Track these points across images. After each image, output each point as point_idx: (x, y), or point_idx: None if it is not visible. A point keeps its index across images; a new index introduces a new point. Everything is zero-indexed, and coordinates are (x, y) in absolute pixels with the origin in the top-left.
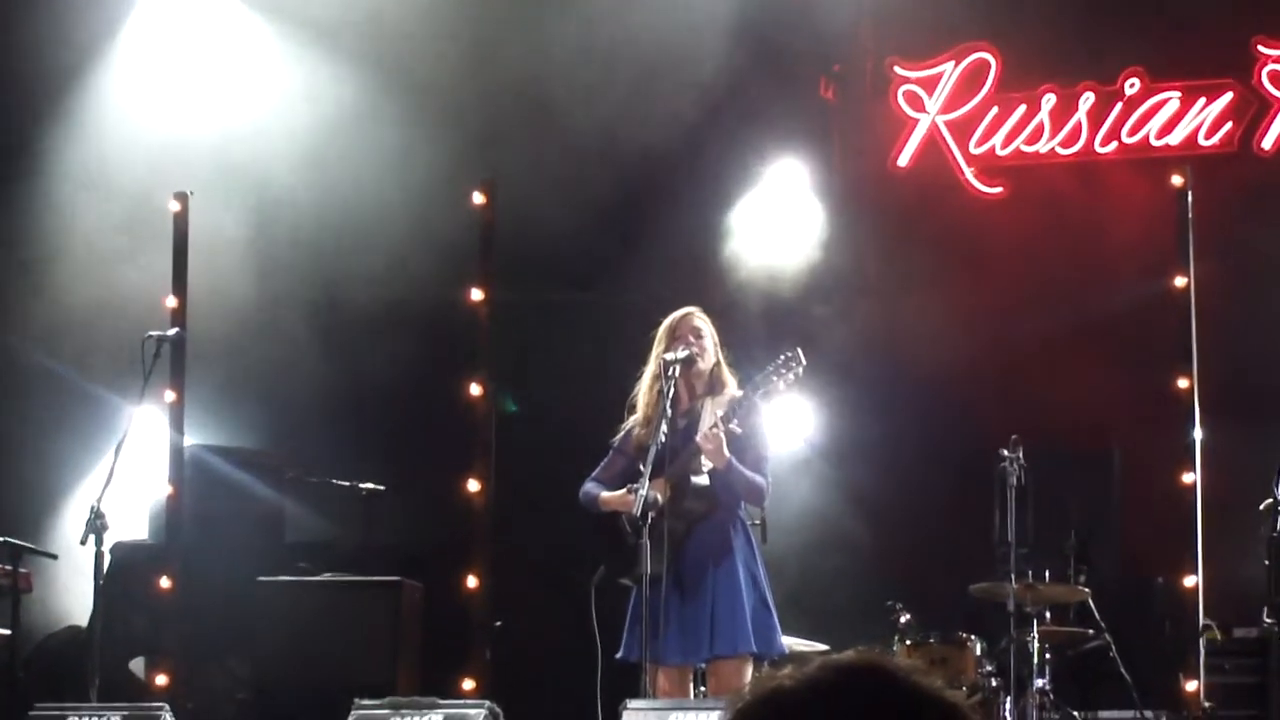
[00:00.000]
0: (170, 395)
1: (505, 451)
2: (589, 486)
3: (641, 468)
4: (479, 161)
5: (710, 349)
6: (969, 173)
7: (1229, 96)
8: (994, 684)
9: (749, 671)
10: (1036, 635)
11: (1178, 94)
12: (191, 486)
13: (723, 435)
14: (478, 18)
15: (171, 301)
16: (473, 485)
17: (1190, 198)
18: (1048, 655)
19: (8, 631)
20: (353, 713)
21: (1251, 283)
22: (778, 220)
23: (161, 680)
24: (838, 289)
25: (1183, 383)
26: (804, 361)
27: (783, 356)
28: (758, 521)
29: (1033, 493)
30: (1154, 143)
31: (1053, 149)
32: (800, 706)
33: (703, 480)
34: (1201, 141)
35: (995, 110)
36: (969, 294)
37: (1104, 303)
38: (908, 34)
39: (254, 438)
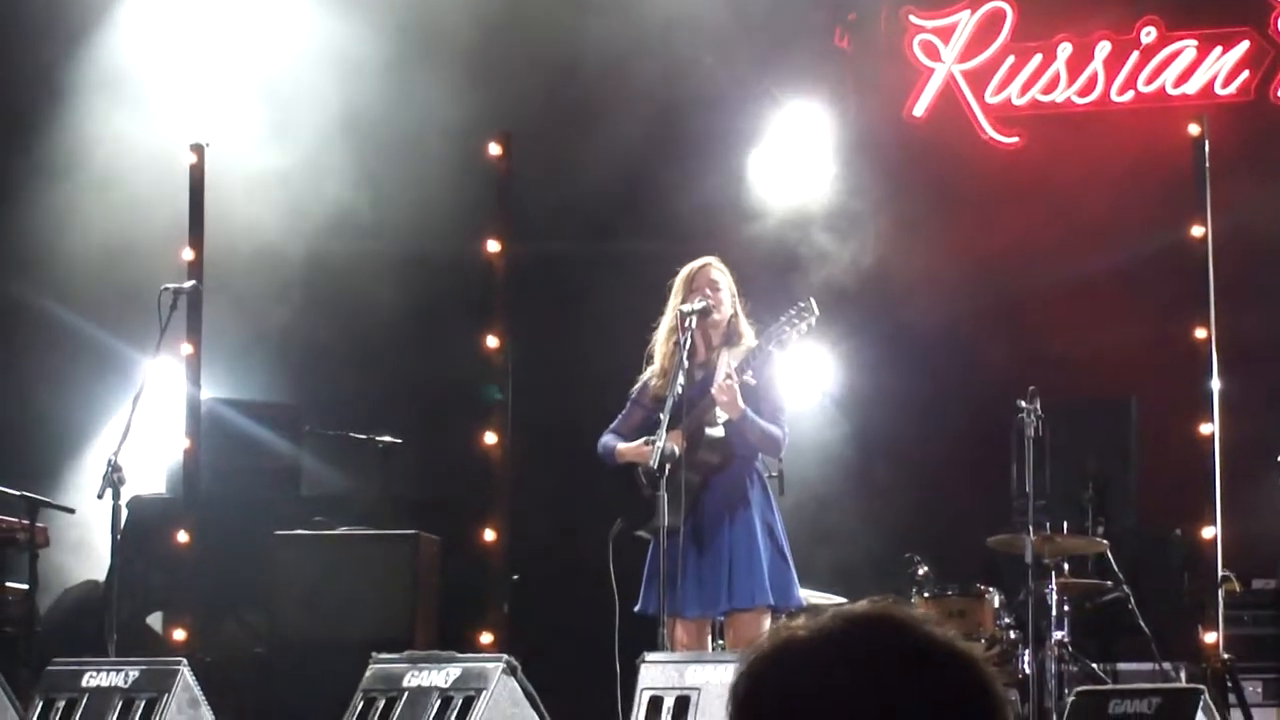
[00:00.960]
0: (187, 348)
1: (522, 404)
2: (606, 439)
3: (659, 419)
4: (496, 113)
5: (727, 300)
6: (985, 122)
7: (1245, 45)
8: (1012, 636)
9: (766, 624)
10: (1055, 587)
11: (1194, 43)
12: (208, 440)
13: (737, 386)
14: None
15: (188, 254)
16: (490, 438)
17: (1207, 147)
18: (1066, 607)
19: (25, 586)
20: (370, 667)
21: (1269, 232)
22: (793, 170)
23: (179, 635)
24: (853, 239)
25: (1200, 333)
26: (816, 312)
27: (795, 307)
28: (775, 473)
29: (1050, 444)
30: (1170, 91)
31: (1069, 98)
32: (813, 656)
33: (718, 432)
34: (1218, 90)
35: (1011, 59)
36: (985, 244)
37: (1121, 253)
38: None
39: (270, 391)
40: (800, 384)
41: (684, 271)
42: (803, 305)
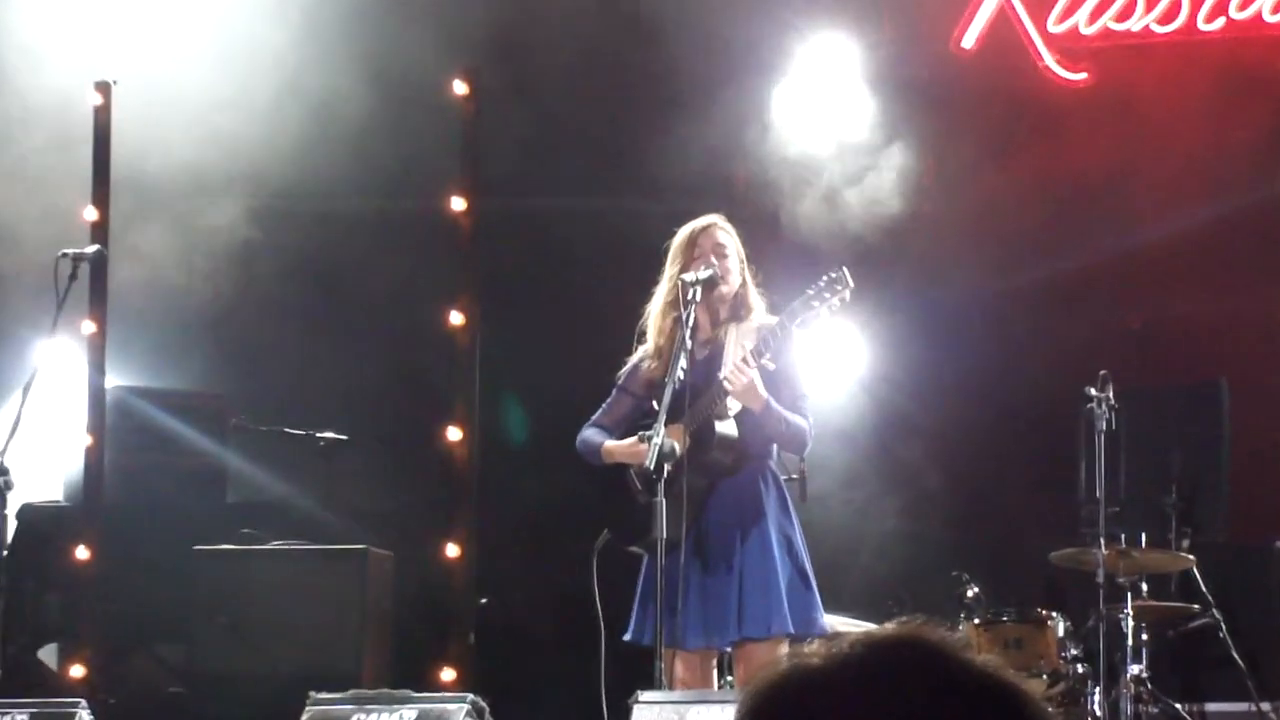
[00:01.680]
0: (89, 326)
1: (493, 392)
2: (590, 433)
3: (655, 408)
4: (461, 46)
5: (736, 268)
6: (1047, 55)
7: None
8: (1080, 670)
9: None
10: (1131, 611)
11: None
12: (115, 436)
13: (755, 371)
14: None
15: (91, 213)
16: (453, 434)
17: None
18: (1144, 636)
19: None
20: (307, 708)
21: None
22: (819, 114)
23: (77, 671)
24: (890, 196)
25: None
26: (851, 283)
27: (825, 278)
28: (795, 476)
29: (1125, 439)
30: (1268, 19)
31: (1147, 26)
32: (828, 689)
33: (729, 426)
34: None
35: None
36: (1046, 200)
37: (1209, 209)
38: None
39: (190, 378)
40: (824, 367)
41: (683, 233)
42: (833, 276)
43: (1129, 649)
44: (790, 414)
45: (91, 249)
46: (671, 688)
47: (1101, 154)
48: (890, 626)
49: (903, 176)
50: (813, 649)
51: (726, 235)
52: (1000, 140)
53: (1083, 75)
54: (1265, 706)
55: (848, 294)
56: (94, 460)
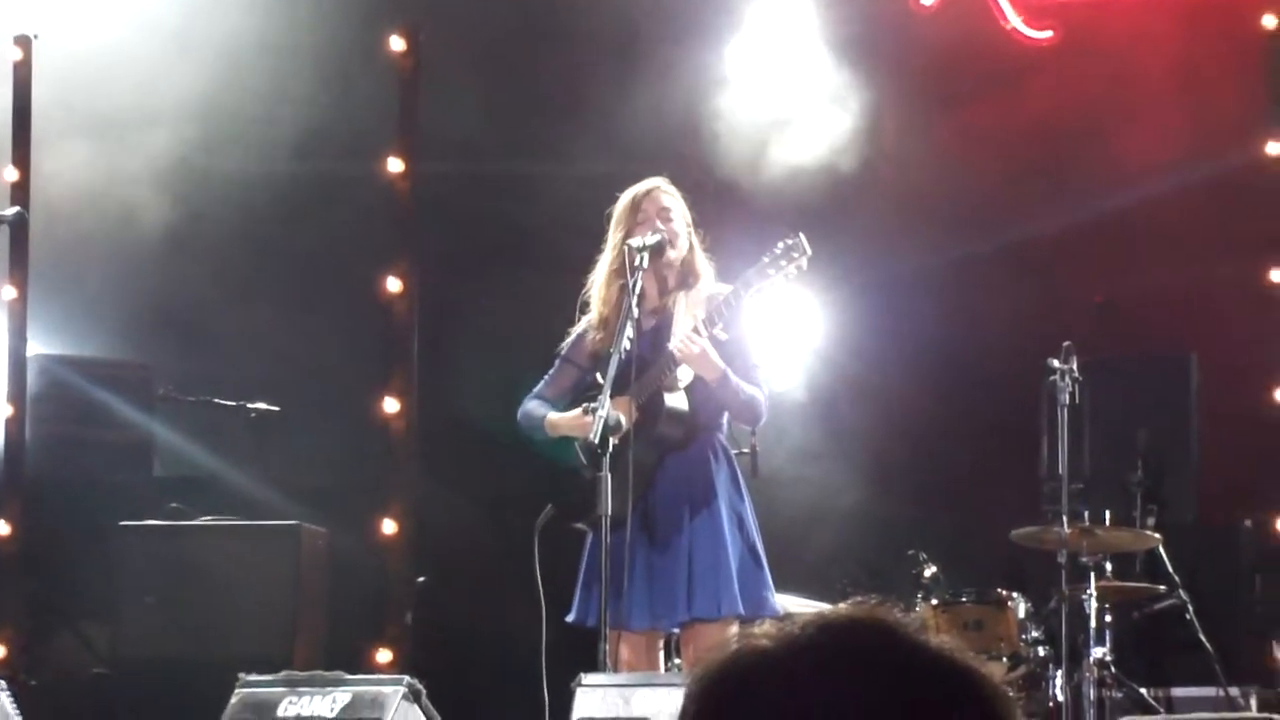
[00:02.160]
0: (9, 291)
1: (431, 363)
2: (532, 406)
3: (599, 381)
4: (404, 2)
5: (683, 232)
6: (1010, 11)
7: None
8: (1041, 654)
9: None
10: (1094, 592)
11: None
12: (37, 406)
13: (706, 341)
14: None
15: (11, 173)
16: (391, 405)
17: None
18: (1108, 618)
19: None
20: (237, 691)
21: None
22: (774, 74)
23: None
24: (847, 158)
25: (1276, 274)
26: (808, 251)
27: (781, 244)
28: (746, 450)
29: (1090, 413)
30: None
31: None
32: (779, 672)
33: (678, 398)
34: None
35: None
36: (1007, 163)
37: (1177, 176)
38: None
39: (116, 346)
40: (777, 338)
41: (626, 198)
42: (790, 243)
43: (1092, 631)
44: (745, 384)
45: (11, 211)
46: (616, 670)
47: (1066, 116)
48: (844, 607)
49: (860, 139)
50: (763, 630)
51: (671, 199)
52: (961, 102)
53: (1048, 33)
54: (1234, 691)
55: (805, 262)
56: (15, 431)
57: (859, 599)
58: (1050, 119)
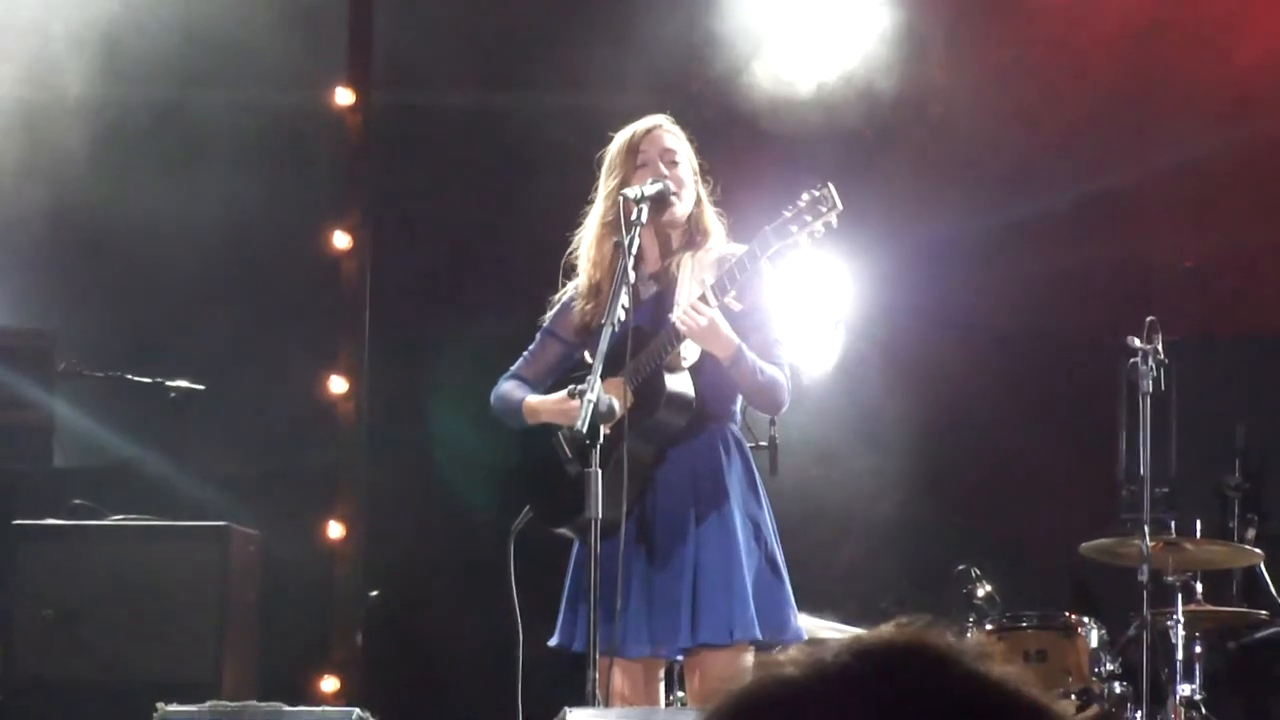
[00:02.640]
0: None
1: (386, 335)
2: (508, 387)
3: (589, 359)
4: None
5: (689, 181)
6: None
7: None
8: (1117, 690)
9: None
10: (1181, 618)
11: None
12: None
13: (716, 312)
14: None
15: None
16: (337, 385)
17: None
18: (1198, 649)
19: None
20: None
21: None
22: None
23: None
24: (888, 93)
25: None
26: (839, 204)
27: (806, 196)
28: (764, 443)
29: (1177, 403)
30: None
31: None
32: (806, 708)
33: (682, 380)
34: None
35: None
36: (1081, 102)
37: (1268, 125)
38: None
39: (12, 312)
40: (800, 309)
41: (622, 139)
42: (816, 194)
43: (1179, 664)
44: (764, 363)
45: None
46: (608, 704)
47: (1136, 57)
48: (885, 629)
49: (905, 70)
50: (789, 656)
51: (676, 140)
52: (1033, 22)
53: None
54: None
55: (834, 218)
56: None
57: (903, 620)
58: (1131, 50)
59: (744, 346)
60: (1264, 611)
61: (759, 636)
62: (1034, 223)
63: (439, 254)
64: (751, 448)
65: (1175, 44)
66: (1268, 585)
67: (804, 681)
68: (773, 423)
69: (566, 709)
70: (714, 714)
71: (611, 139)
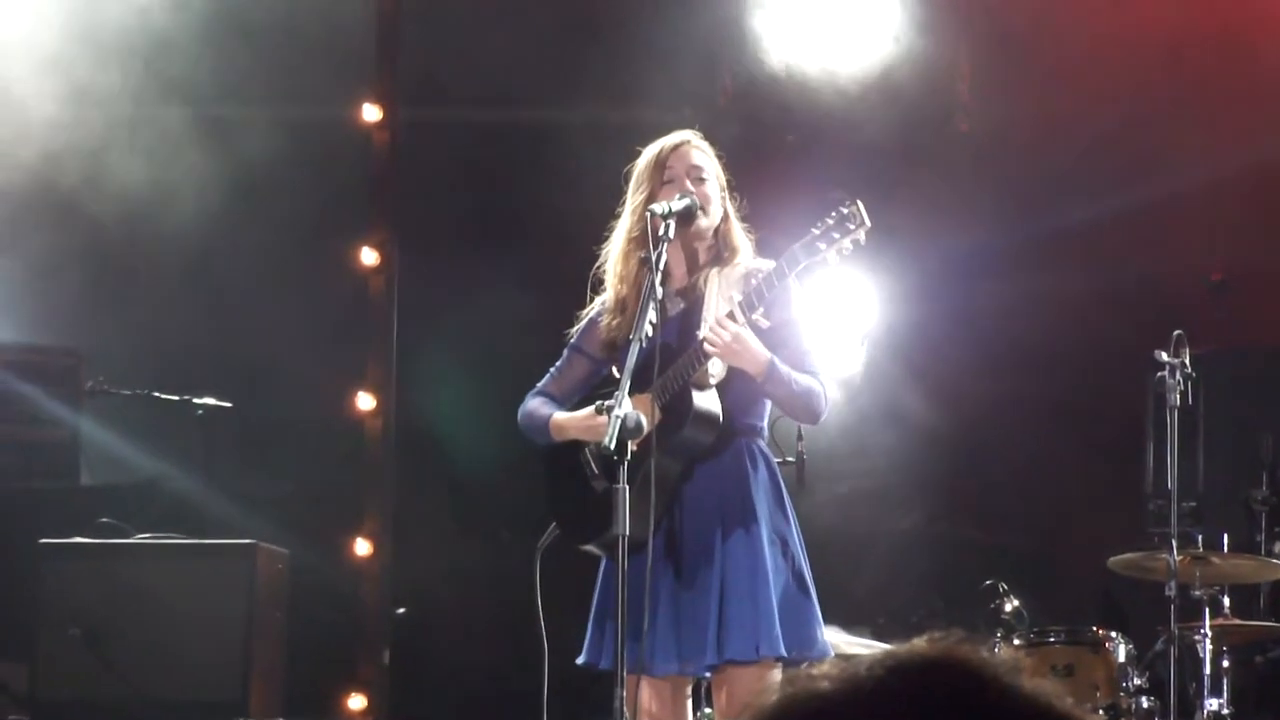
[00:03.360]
0: None
1: (414, 352)
2: (535, 404)
3: (616, 375)
4: None
5: (716, 196)
6: None
7: None
8: (1145, 705)
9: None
10: (1209, 633)
11: None
12: None
13: (744, 329)
14: None
15: None
16: (365, 402)
17: None
18: (1226, 663)
19: None
20: None
21: None
22: (825, 9)
23: None
24: (917, 109)
25: None
26: (867, 221)
27: (834, 214)
28: (791, 458)
29: (1204, 416)
30: None
31: None
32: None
33: (709, 398)
34: None
35: None
36: (1108, 118)
37: None
38: None
39: (38, 330)
40: (827, 325)
41: (649, 154)
42: (845, 211)
43: (1206, 679)
44: (798, 374)
45: None
46: None
47: (1179, 62)
48: (917, 644)
49: (933, 86)
50: (822, 670)
51: (703, 156)
52: (1054, 40)
53: None
54: None
55: (862, 235)
56: None
57: (935, 634)
58: (1158, 63)
59: (776, 360)
60: None
61: (784, 653)
62: (1061, 237)
63: (466, 270)
64: (779, 463)
65: (1203, 59)
66: None
67: (837, 695)
68: (800, 437)
69: None
70: None
71: (639, 154)
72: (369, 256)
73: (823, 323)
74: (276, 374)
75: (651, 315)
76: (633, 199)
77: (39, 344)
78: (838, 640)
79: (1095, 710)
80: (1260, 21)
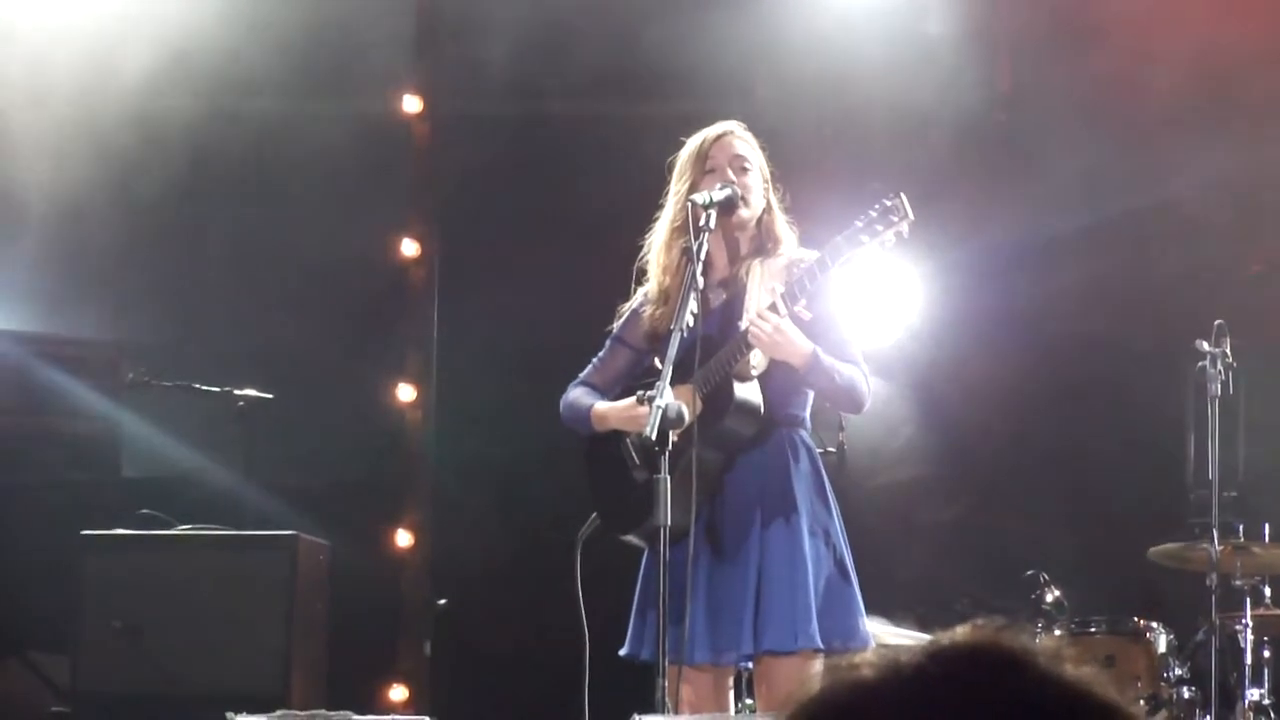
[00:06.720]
0: None
1: (454, 343)
2: (577, 394)
3: (658, 365)
4: None
5: (759, 187)
6: None
7: None
8: (1186, 696)
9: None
10: (1250, 623)
11: None
12: None
13: (785, 321)
14: None
15: None
16: (405, 393)
17: None
18: (1267, 653)
19: None
20: None
21: None
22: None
23: None
24: (958, 100)
25: None
26: (910, 214)
27: (878, 206)
28: (832, 449)
29: (1246, 407)
30: None
31: None
32: (880, 710)
33: (750, 389)
34: None
35: None
36: (1148, 105)
37: None
38: None
39: (79, 323)
40: (869, 316)
41: (692, 144)
42: (888, 203)
43: (1248, 669)
44: (841, 364)
45: None
46: (677, 711)
47: (1218, 55)
48: (959, 632)
49: (973, 76)
50: (862, 659)
51: (746, 146)
52: (1094, 31)
53: None
54: None
55: (905, 227)
56: None
57: (978, 622)
58: (1194, 51)
59: (819, 351)
60: None
61: (820, 644)
62: (1102, 228)
63: (507, 261)
64: (820, 454)
65: (1241, 53)
66: None
67: (879, 683)
68: (842, 427)
69: (635, 716)
70: (791, 716)
71: (681, 146)
72: (409, 248)
73: (864, 314)
74: (317, 365)
75: (693, 305)
76: (675, 189)
77: (80, 337)
78: (881, 630)
79: (1136, 700)
80: None
